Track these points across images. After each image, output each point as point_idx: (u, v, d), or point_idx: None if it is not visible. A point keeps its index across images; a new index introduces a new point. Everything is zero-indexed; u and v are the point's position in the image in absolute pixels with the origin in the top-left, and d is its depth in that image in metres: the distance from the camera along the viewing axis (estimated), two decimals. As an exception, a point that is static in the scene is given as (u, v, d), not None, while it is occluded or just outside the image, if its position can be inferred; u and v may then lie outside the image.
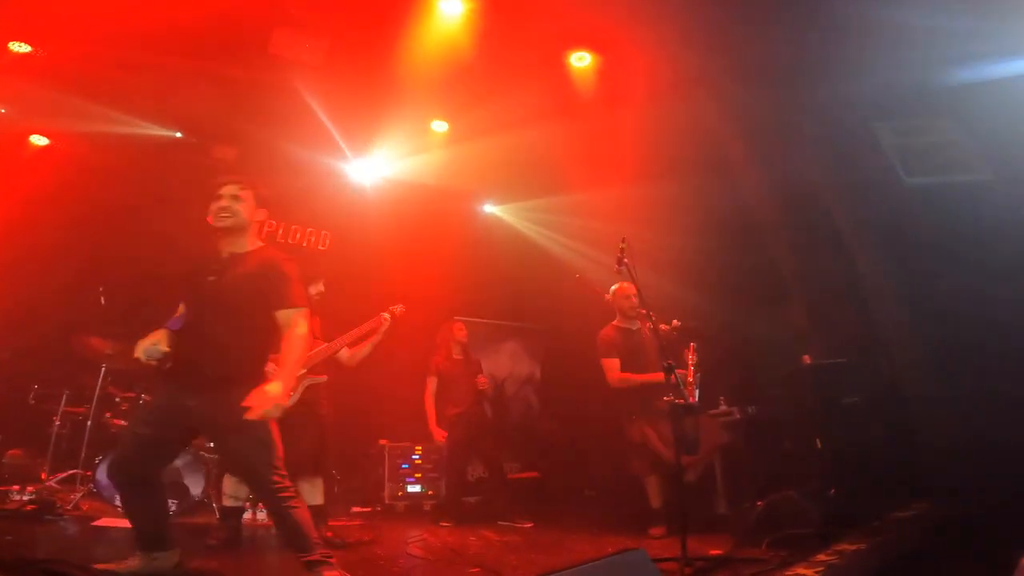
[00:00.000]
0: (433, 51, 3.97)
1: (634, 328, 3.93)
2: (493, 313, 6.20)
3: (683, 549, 2.53)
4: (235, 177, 2.44)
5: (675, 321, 3.83)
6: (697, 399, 3.42)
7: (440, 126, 4.98)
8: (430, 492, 4.85)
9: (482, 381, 4.41)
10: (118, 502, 3.37)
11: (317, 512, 3.29)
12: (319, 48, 4.15)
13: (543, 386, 6.36)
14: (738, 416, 4.00)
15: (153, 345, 2.22)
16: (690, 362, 3.52)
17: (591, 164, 4.74)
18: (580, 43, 3.96)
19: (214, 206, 2.35)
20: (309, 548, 2.30)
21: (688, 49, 3.70)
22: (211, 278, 2.31)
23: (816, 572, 2.26)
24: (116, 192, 5.01)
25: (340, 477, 4.55)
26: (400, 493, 4.79)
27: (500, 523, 4.02)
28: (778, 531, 2.86)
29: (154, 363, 2.24)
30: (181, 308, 2.43)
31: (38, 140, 5.02)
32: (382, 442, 4.94)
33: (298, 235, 5.92)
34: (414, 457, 4.92)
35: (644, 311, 3.55)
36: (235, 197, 2.36)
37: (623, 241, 3.12)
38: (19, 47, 4.13)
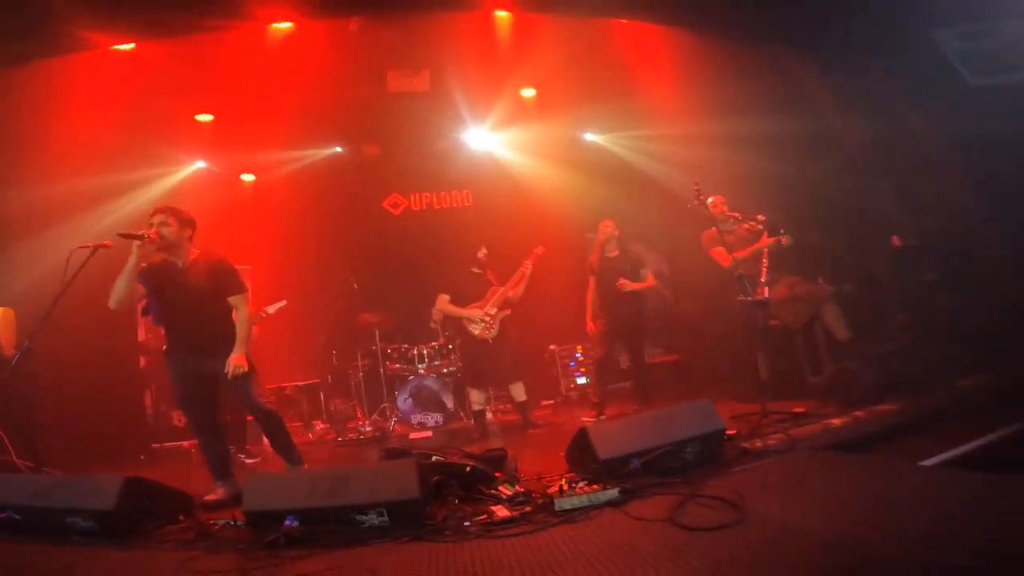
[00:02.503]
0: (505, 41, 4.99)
1: (729, 230, 4.55)
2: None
3: (762, 405, 3.40)
4: (160, 207, 3.14)
5: (760, 216, 4.46)
6: (767, 295, 4.10)
7: (528, 92, 5.94)
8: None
9: (622, 283, 4.77)
10: (414, 420, 5.27)
11: (524, 405, 4.85)
12: (423, 80, 5.35)
13: (673, 278, 7.19)
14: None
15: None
16: (763, 265, 4.23)
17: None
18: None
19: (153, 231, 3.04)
20: (290, 453, 3.37)
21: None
22: (181, 280, 3.11)
23: (843, 422, 3.05)
24: (310, 201, 6.73)
25: (528, 379, 6.08)
26: (572, 386, 6.23)
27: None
28: (846, 394, 3.66)
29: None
30: (141, 289, 3.10)
31: (247, 177, 6.76)
32: (551, 347, 6.33)
33: (447, 199, 7.39)
34: (577, 355, 6.30)
35: (737, 215, 4.49)
36: (163, 223, 3.08)
37: (696, 184, 4.00)
38: (203, 117, 5.66)
